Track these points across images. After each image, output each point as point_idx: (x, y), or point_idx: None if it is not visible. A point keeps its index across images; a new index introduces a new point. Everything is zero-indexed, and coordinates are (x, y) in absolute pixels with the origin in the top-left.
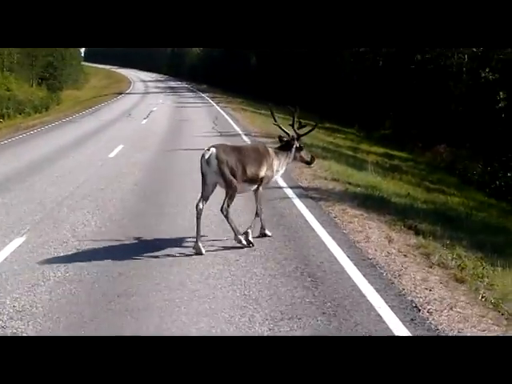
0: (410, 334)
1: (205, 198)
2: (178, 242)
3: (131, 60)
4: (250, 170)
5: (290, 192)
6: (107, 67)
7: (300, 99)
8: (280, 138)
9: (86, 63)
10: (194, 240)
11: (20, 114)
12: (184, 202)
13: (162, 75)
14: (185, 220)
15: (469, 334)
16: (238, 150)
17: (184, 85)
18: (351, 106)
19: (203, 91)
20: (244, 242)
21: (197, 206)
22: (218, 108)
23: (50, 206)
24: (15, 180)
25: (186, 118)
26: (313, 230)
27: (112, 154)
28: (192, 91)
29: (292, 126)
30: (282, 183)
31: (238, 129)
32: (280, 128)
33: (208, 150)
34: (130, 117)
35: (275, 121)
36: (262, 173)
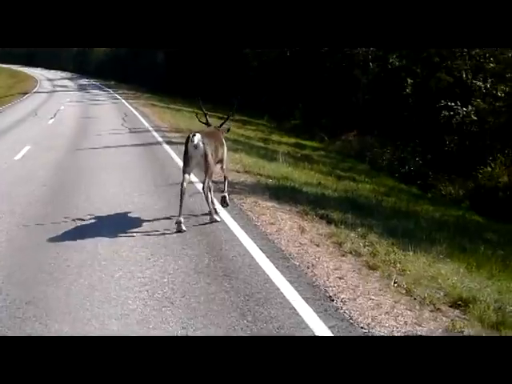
0: (332, 325)
1: (186, 179)
2: (88, 244)
3: (37, 58)
4: (220, 151)
5: (199, 186)
6: (11, 66)
7: (208, 93)
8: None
9: None
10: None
11: None
12: (93, 200)
13: (68, 73)
14: (94, 218)
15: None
16: (210, 134)
17: (92, 82)
18: (260, 97)
19: (111, 88)
20: (218, 219)
21: (182, 185)
22: (127, 104)
23: None
24: None
25: (94, 116)
26: (225, 224)
27: (18, 156)
28: (100, 88)
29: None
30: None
31: (147, 125)
32: (200, 121)
33: (194, 135)
34: (37, 117)
35: (205, 116)
36: (225, 152)
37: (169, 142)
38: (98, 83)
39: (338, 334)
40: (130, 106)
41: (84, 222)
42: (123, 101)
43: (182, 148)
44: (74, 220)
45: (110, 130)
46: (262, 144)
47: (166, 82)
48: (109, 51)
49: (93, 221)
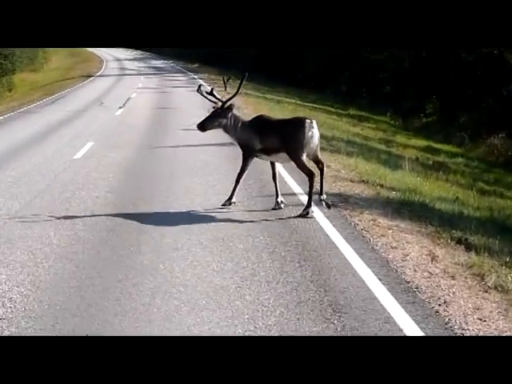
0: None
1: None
2: (162, 264)
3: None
4: None
5: (305, 198)
6: None
7: (317, 80)
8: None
9: None
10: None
11: None
12: (173, 213)
13: (141, 52)
14: (171, 237)
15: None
16: None
17: (170, 64)
18: (381, 87)
19: (195, 72)
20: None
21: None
22: (215, 92)
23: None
24: None
25: (173, 106)
26: (335, 246)
27: (79, 155)
28: (180, 72)
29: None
30: (294, 188)
31: None
32: (206, 98)
33: (312, 121)
34: (102, 106)
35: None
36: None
37: None
38: (177, 65)
39: None
40: (216, 95)
41: (159, 239)
42: (209, 88)
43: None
44: (147, 236)
45: (193, 125)
46: (383, 147)
47: (261, 65)
48: None
49: (169, 240)
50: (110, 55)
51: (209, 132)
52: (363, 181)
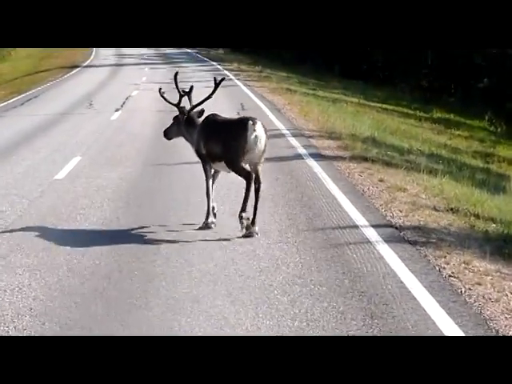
0: None
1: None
2: (176, 322)
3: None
4: None
5: (372, 233)
6: None
7: (388, 71)
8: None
9: None
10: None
11: None
12: (187, 251)
13: None
14: (187, 285)
15: None
16: None
17: (185, 50)
18: (475, 81)
19: (220, 60)
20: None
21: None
22: (245, 88)
23: None
24: None
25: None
26: (412, 298)
27: (61, 174)
28: (198, 60)
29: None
30: (358, 219)
31: (279, 124)
32: (165, 99)
33: (255, 123)
34: (92, 108)
35: (178, 91)
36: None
37: (317, 156)
38: (194, 52)
39: None
40: (249, 92)
41: (172, 288)
42: (237, 82)
43: (340, 170)
44: (156, 284)
45: None
46: (479, 162)
47: (307, 51)
48: None
49: (185, 289)
50: None
51: None
52: (451, 209)
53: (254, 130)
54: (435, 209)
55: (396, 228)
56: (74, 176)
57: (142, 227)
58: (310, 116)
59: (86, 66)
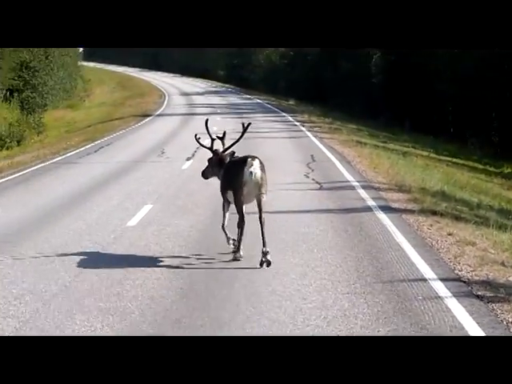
0: None
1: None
2: None
3: (161, 59)
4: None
5: (440, 287)
6: (121, 69)
7: (458, 126)
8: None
9: (87, 63)
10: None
11: None
12: (258, 311)
13: (216, 84)
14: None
15: None
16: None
17: (255, 100)
18: None
19: (290, 111)
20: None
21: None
22: (315, 139)
23: (32, 307)
24: None
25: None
26: None
27: (133, 221)
28: (271, 111)
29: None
30: (426, 272)
31: (349, 176)
32: (200, 144)
33: (254, 159)
34: (164, 157)
35: (210, 136)
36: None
37: (387, 209)
38: (265, 102)
39: None
40: (319, 143)
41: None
42: (308, 133)
43: (410, 223)
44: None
45: (287, 184)
46: None
47: (377, 105)
48: (285, 53)
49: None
50: (173, 87)
51: (311, 196)
52: None
53: (251, 166)
54: (504, 264)
55: (464, 282)
56: (146, 223)
57: (212, 275)
58: (379, 168)
59: (158, 115)
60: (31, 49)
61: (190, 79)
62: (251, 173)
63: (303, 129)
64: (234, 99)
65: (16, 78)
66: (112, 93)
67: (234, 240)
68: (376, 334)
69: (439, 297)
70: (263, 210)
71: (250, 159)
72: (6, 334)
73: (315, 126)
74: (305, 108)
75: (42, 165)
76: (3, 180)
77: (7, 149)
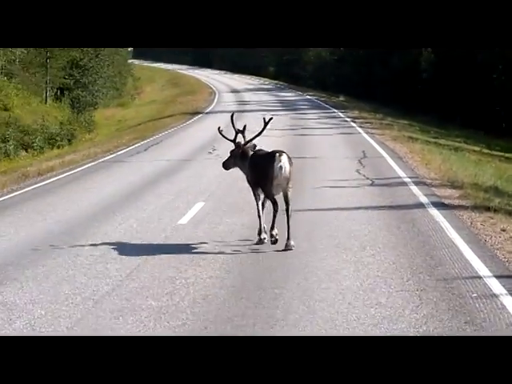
0: None
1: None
2: None
3: (212, 57)
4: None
5: (495, 284)
6: (172, 67)
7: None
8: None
9: (138, 61)
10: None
11: (26, 149)
12: (315, 310)
13: (266, 81)
14: None
15: None
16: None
17: (306, 96)
18: None
19: (341, 108)
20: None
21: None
22: (367, 136)
23: (84, 307)
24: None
25: (310, 155)
26: None
27: (185, 219)
28: (321, 108)
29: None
30: (480, 268)
31: (401, 172)
32: (223, 136)
33: (281, 154)
34: (214, 154)
35: (234, 129)
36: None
37: (439, 205)
38: (314, 98)
39: None
40: (370, 139)
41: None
42: (359, 129)
43: (462, 219)
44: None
45: (339, 181)
46: None
47: (427, 101)
48: (335, 51)
49: None
50: (223, 85)
51: (362, 192)
52: None
53: (280, 161)
54: None
55: None
56: (197, 221)
57: (264, 273)
58: (431, 164)
59: (208, 113)
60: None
61: (241, 76)
62: (281, 167)
63: (354, 125)
64: (284, 96)
65: (66, 77)
66: (162, 91)
67: (262, 236)
68: (430, 333)
69: (494, 294)
70: (290, 202)
71: (277, 154)
72: (58, 335)
73: (366, 122)
74: (355, 104)
75: (93, 163)
76: (55, 179)
77: (58, 147)
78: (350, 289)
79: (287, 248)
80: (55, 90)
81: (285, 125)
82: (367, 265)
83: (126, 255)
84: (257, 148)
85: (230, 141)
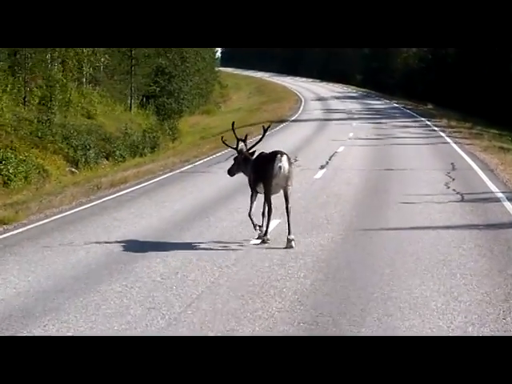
0: None
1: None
2: None
3: (299, 64)
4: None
5: None
6: (260, 75)
7: None
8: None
9: (225, 69)
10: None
11: (107, 158)
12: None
13: (354, 89)
14: None
15: None
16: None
17: (393, 104)
18: None
19: (427, 116)
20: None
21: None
22: (456, 146)
23: None
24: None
25: (397, 167)
26: None
27: (258, 239)
28: (408, 116)
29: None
30: None
31: (493, 186)
32: (226, 144)
33: (282, 155)
34: (296, 164)
35: (236, 137)
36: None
37: None
38: (402, 106)
39: None
40: (459, 149)
41: None
42: (447, 139)
43: None
44: None
45: (425, 195)
46: None
47: None
48: (423, 56)
49: None
50: (310, 92)
51: (451, 209)
52: None
53: (280, 161)
54: None
55: None
56: (272, 242)
57: (341, 306)
58: None
59: (293, 121)
60: (167, 54)
61: (328, 84)
62: (280, 167)
63: (442, 134)
64: (371, 104)
65: (152, 84)
66: (248, 98)
67: (259, 226)
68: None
69: None
70: (289, 200)
71: (279, 155)
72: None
73: (454, 132)
74: (443, 112)
75: (169, 174)
76: (128, 191)
77: (141, 156)
78: (438, 327)
79: (289, 244)
80: (140, 98)
81: (371, 134)
82: (457, 297)
83: (189, 282)
84: (260, 151)
85: (233, 148)
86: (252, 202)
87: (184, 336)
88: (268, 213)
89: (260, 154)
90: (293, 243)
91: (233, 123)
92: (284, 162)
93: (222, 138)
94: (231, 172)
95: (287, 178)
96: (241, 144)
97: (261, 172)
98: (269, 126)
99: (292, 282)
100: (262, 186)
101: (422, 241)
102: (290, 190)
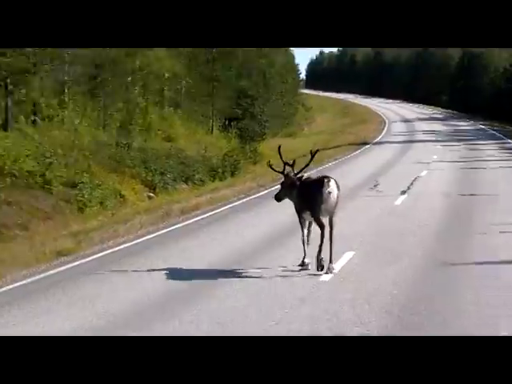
0: None
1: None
2: None
3: (382, 85)
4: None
5: None
6: (343, 96)
7: None
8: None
9: (308, 91)
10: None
11: (186, 182)
12: None
13: (438, 110)
14: None
15: None
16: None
17: (478, 126)
18: None
19: None
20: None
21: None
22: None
23: None
24: None
25: (485, 193)
26: None
27: (327, 275)
28: (493, 138)
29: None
30: None
31: None
32: (272, 169)
33: (329, 180)
34: (376, 189)
35: (282, 161)
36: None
37: None
38: (488, 127)
39: None
40: None
41: None
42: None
43: None
44: None
45: (511, 225)
46: None
47: None
48: (510, 76)
49: None
50: (394, 113)
51: None
52: None
53: (329, 186)
54: None
55: None
56: (343, 276)
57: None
58: None
59: (376, 143)
60: (251, 75)
61: (412, 105)
62: (329, 192)
63: None
64: (455, 125)
65: (234, 107)
66: (333, 120)
67: (305, 260)
68: None
69: None
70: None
71: (326, 180)
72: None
73: None
74: None
75: (244, 200)
76: (198, 218)
77: (220, 180)
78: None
79: (329, 271)
80: (222, 120)
81: (456, 156)
82: None
83: (246, 323)
84: (306, 176)
85: (279, 172)
86: (303, 228)
87: (184, 336)
88: (321, 234)
89: (306, 179)
90: (330, 266)
91: (279, 147)
92: (333, 187)
93: (269, 162)
94: (279, 197)
95: (336, 203)
96: (288, 168)
97: (308, 198)
98: (317, 150)
99: (360, 328)
100: (308, 212)
101: (510, 278)
102: (336, 216)
